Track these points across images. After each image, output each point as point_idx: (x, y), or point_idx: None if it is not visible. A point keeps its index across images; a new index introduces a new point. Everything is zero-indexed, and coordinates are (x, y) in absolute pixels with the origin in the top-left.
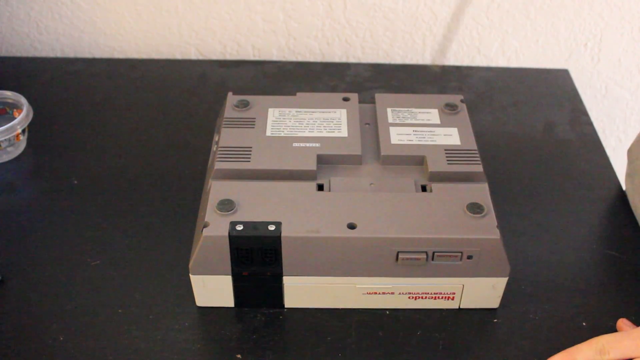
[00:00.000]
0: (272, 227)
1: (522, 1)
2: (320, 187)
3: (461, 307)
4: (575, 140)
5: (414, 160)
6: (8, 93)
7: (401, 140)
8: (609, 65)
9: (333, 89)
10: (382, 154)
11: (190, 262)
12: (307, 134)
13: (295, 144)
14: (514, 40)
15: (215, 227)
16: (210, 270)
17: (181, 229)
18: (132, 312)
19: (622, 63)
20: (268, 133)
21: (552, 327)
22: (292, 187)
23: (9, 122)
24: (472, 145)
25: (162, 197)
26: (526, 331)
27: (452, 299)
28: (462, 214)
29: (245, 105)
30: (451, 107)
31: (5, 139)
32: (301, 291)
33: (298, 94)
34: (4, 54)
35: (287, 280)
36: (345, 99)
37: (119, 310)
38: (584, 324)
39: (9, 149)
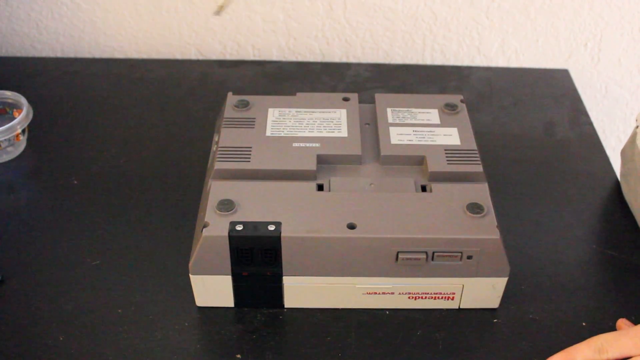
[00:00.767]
0: (272, 227)
1: (522, 1)
2: (320, 187)
3: (461, 307)
4: (575, 140)
5: (413, 160)
6: (8, 93)
7: (401, 140)
8: (609, 65)
9: (333, 89)
10: (382, 154)
11: (190, 262)
12: (307, 134)
13: (295, 144)
14: (514, 40)
15: (215, 227)
16: (210, 270)
17: (181, 229)
18: (132, 312)
19: (622, 63)
20: (268, 133)
21: (552, 327)
22: (292, 187)
23: (9, 122)
24: (472, 145)
25: (162, 197)
26: (526, 331)
27: (452, 299)
28: (462, 214)
29: (245, 105)
30: (451, 107)
31: (5, 139)
32: (301, 291)
33: (298, 94)
34: (4, 54)
35: (287, 280)
36: (345, 99)
37: (119, 311)
38: (584, 324)
39: (9, 149)
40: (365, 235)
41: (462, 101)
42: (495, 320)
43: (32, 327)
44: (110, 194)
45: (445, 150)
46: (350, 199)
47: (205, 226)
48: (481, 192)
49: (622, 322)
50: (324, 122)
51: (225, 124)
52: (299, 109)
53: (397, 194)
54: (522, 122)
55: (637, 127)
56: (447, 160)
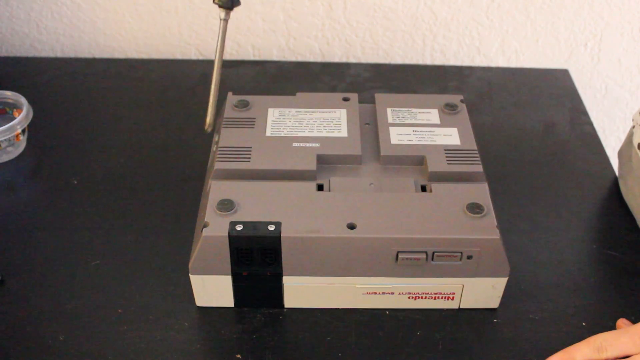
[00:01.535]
0: (271, 227)
1: (522, 1)
2: (320, 187)
3: (461, 307)
4: (575, 140)
5: (413, 160)
6: (8, 93)
7: (401, 140)
8: (609, 65)
9: (333, 89)
10: (382, 154)
11: (190, 262)
12: (307, 134)
13: (295, 144)
14: (514, 40)
15: (215, 227)
16: (210, 270)
17: (181, 229)
18: (132, 312)
19: (622, 63)
20: (268, 133)
21: (552, 327)
22: (292, 187)
23: (9, 122)
24: (472, 145)
25: (162, 197)
26: (526, 331)
27: (452, 299)
28: (462, 214)
29: (245, 105)
30: (451, 107)
31: (5, 139)
32: (301, 291)
33: (298, 94)
34: (4, 54)
35: (287, 280)
36: (345, 99)
37: (119, 310)
38: (583, 323)
39: (9, 149)
40: (365, 235)
41: (462, 101)
42: (495, 320)
43: (32, 327)
44: (110, 194)
45: (445, 150)
46: (350, 199)
47: (205, 226)
48: (481, 192)
49: (621, 322)
50: (324, 122)
51: (225, 124)
52: (299, 109)
53: (397, 194)
54: (522, 122)
55: (633, 127)
56: (447, 160)
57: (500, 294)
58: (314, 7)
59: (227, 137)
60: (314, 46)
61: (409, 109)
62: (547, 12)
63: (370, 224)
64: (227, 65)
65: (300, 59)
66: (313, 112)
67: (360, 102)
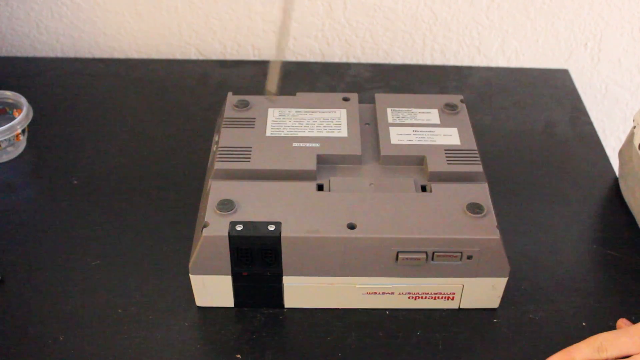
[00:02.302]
0: (271, 227)
1: (522, 1)
2: (320, 187)
3: (461, 307)
4: (575, 140)
5: (413, 160)
6: (8, 93)
7: (401, 140)
8: (609, 65)
9: (333, 89)
10: (382, 154)
11: (190, 262)
12: (307, 134)
13: (295, 144)
14: (514, 40)
15: (215, 227)
16: (210, 270)
17: (181, 229)
18: (132, 312)
19: (622, 63)
20: (268, 133)
21: (552, 327)
22: (292, 187)
23: (9, 122)
24: (472, 145)
25: (162, 197)
26: (526, 331)
27: (452, 299)
28: (462, 214)
29: (245, 105)
30: (451, 107)
31: (5, 139)
32: (301, 291)
33: (298, 94)
34: (4, 54)
35: (287, 280)
36: (345, 99)
37: (119, 310)
38: (584, 324)
39: (9, 149)
40: (365, 235)
41: (462, 101)
42: (495, 320)
43: (32, 327)
44: (110, 194)
45: (445, 150)
46: (350, 199)
47: (205, 226)
48: (481, 192)
49: (622, 322)
50: (324, 122)
51: (225, 124)
52: (299, 109)
53: (397, 194)
54: (522, 122)
55: (634, 127)
56: (447, 160)
57: (500, 294)
58: (314, 7)
59: (227, 137)
60: (314, 46)
61: (409, 109)
62: (547, 12)
63: (370, 224)
64: (227, 65)
65: (300, 59)
66: (313, 112)
67: (360, 102)
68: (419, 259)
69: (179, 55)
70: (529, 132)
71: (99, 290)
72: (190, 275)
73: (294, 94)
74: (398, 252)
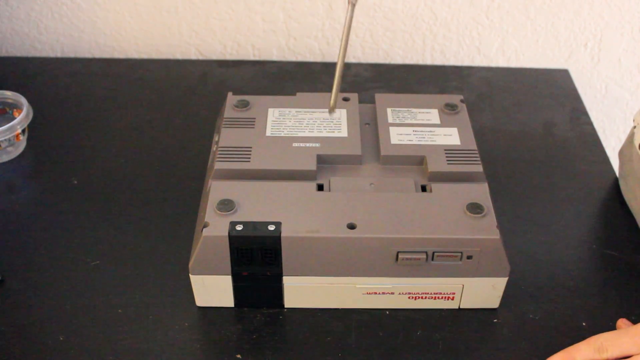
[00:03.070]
0: (272, 227)
1: (522, 1)
2: (320, 187)
3: (461, 307)
4: (575, 140)
5: (413, 160)
6: (8, 93)
7: (401, 140)
8: (609, 65)
9: None
10: (382, 154)
11: (190, 262)
12: (307, 134)
13: (295, 144)
14: (514, 40)
15: (215, 227)
16: (210, 270)
17: (181, 229)
18: (132, 312)
19: (622, 63)
20: (268, 133)
21: (552, 327)
22: (292, 187)
23: (9, 122)
24: (472, 145)
25: (162, 197)
26: (526, 331)
27: (452, 299)
28: (462, 214)
29: (245, 105)
30: (451, 107)
31: (5, 139)
32: (301, 291)
33: (298, 94)
34: (4, 54)
35: (287, 280)
36: (345, 99)
37: (119, 310)
38: (584, 324)
39: (9, 149)
40: (365, 235)
41: (462, 101)
42: (495, 320)
43: (32, 327)
44: (110, 194)
45: (445, 150)
46: (350, 199)
47: (205, 226)
48: (481, 192)
49: (622, 322)
50: (324, 122)
51: (225, 124)
52: (299, 109)
53: (397, 194)
54: (522, 122)
55: (634, 127)
56: (447, 160)
57: (500, 294)
58: (314, 7)
59: (227, 137)
60: (314, 46)
61: (409, 109)
62: (547, 12)
63: (370, 224)
64: (227, 65)
65: (300, 59)
66: (313, 112)
67: (360, 102)
68: (419, 259)
69: (179, 55)
70: (529, 132)
71: (99, 290)
72: (190, 275)
73: (294, 94)
74: (398, 252)
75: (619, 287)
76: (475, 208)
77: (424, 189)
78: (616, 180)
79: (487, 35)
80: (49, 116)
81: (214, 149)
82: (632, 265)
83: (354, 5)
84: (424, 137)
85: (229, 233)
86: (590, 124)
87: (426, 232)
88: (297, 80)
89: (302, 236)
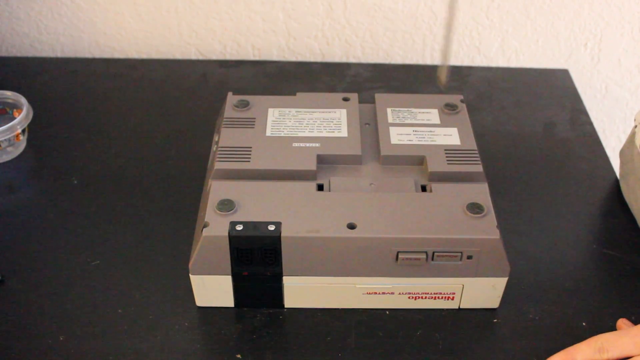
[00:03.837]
0: (272, 227)
1: (522, 1)
2: (320, 187)
3: (461, 307)
4: (575, 140)
5: (413, 160)
6: (8, 93)
7: (401, 140)
8: (609, 65)
9: (333, 89)
10: (382, 154)
11: (190, 262)
12: (307, 134)
13: (295, 144)
14: (514, 40)
15: (215, 227)
16: (210, 270)
17: (181, 229)
18: (132, 312)
19: (622, 63)
20: (268, 133)
21: (552, 327)
22: (292, 187)
23: (9, 122)
24: (472, 145)
25: (162, 197)
26: (526, 331)
27: (452, 299)
28: (462, 214)
29: (245, 105)
30: (451, 107)
31: (5, 139)
32: (301, 291)
33: (298, 94)
34: (4, 54)
35: (287, 280)
36: (345, 99)
37: (119, 310)
38: (584, 324)
39: (9, 149)
40: (365, 235)
41: (462, 101)
42: (495, 320)
43: (32, 327)
44: (110, 194)
45: (445, 150)
46: (350, 199)
47: (205, 226)
48: (481, 192)
49: (622, 322)
50: (324, 122)
51: (225, 124)
52: (299, 109)
53: (397, 194)
54: (522, 122)
55: (635, 127)
56: (447, 160)
57: (500, 294)
58: (314, 7)
59: (227, 137)
60: (314, 46)
61: (409, 109)
62: (547, 12)
63: (370, 224)
64: (227, 65)
65: (300, 59)
66: (313, 112)
67: (360, 102)
68: (419, 259)
69: (179, 55)
70: (529, 132)
71: (99, 290)
72: (190, 275)
73: (294, 94)
74: (398, 252)
75: (619, 287)
76: (475, 208)
77: (424, 189)
78: (616, 180)
79: (487, 35)
80: (49, 116)
81: (214, 149)
82: (632, 265)
83: None
84: (424, 137)
85: (229, 233)
86: (590, 124)
87: (426, 232)
88: (297, 80)
89: (302, 236)
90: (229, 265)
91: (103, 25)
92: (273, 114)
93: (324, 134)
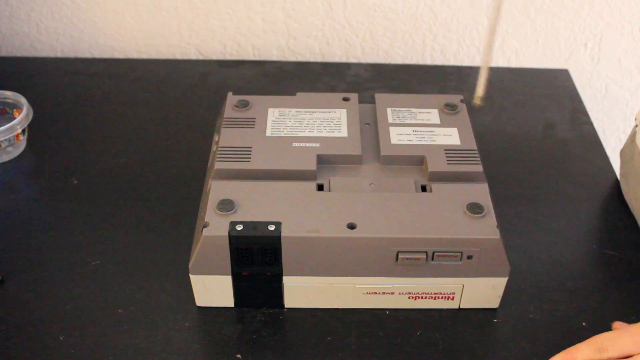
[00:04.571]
0: (272, 227)
1: (522, 1)
2: (320, 187)
3: (461, 307)
4: (575, 140)
5: (413, 160)
6: (8, 93)
7: (401, 140)
8: (609, 65)
9: (333, 89)
10: (382, 154)
11: (190, 262)
12: (307, 134)
13: (295, 144)
14: (514, 40)
15: (215, 227)
16: (210, 270)
17: (181, 229)
18: (132, 312)
19: (622, 63)
20: (268, 133)
21: (552, 327)
22: (292, 187)
23: (9, 122)
24: (472, 145)
25: (162, 197)
26: (526, 331)
27: (452, 299)
28: (462, 214)
29: (245, 105)
30: (451, 107)
31: (5, 139)
32: (301, 291)
33: (298, 94)
34: (4, 54)
35: (287, 280)
36: (345, 99)
37: (119, 310)
38: (584, 324)
39: (9, 149)
40: (365, 235)
41: (462, 101)
42: (495, 320)
43: (32, 327)
44: (110, 194)
45: (445, 150)
46: (350, 199)
47: (205, 226)
48: (481, 192)
49: (617, 324)
50: (324, 122)
51: (225, 124)
52: (299, 109)
53: (397, 194)
54: (522, 122)
55: (636, 126)
56: (447, 160)
57: (500, 294)
58: (314, 7)
59: (227, 137)
60: (314, 46)
61: (409, 109)
62: (547, 12)
63: (370, 224)
64: (227, 65)
65: (300, 59)
66: (313, 112)
67: (360, 102)
68: (419, 259)
69: (179, 55)
70: (529, 132)
71: (99, 290)
72: (190, 275)
73: (294, 94)
74: (398, 252)
75: (619, 287)
76: (475, 208)
77: (424, 189)
78: (616, 180)
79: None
80: (49, 116)
81: (214, 149)
82: (632, 265)
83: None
84: (424, 137)
85: (229, 233)
86: (590, 124)
87: (426, 232)
88: (297, 80)
89: (302, 236)
90: (229, 265)
91: (103, 25)
92: (273, 114)
93: (324, 134)
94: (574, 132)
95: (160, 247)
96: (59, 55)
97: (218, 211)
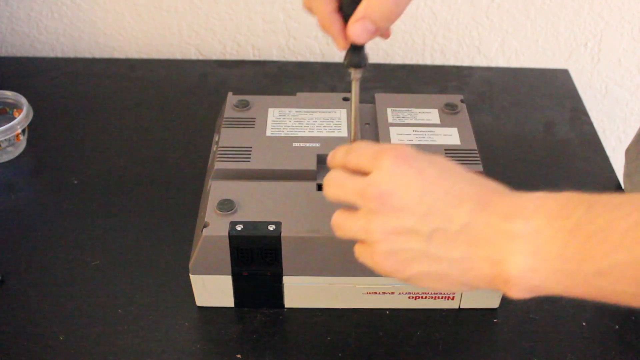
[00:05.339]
0: (272, 227)
1: (522, 1)
2: (321, 187)
3: (461, 307)
4: (575, 140)
5: None
6: (8, 93)
7: (401, 140)
8: (609, 65)
9: (333, 89)
10: None
11: (190, 262)
12: (307, 134)
13: (295, 144)
14: (514, 40)
15: (215, 227)
16: (210, 270)
17: (181, 229)
18: (132, 312)
19: (622, 63)
20: (268, 133)
21: (552, 327)
22: (292, 187)
23: (9, 122)
24: (472, 145)
25: (162, 197)
26: (526, 331)
27: (452, 298)
28: None
29: (245, 105)
30: (451, 107)
31: (5, 139)
32: (301, 291)
33: (298, 94)
34: (4, 54)
35: (287, 280)
36: (345, 99)
37: (119, 310)
38: (583, 323)
39: (9, 149)
40: None
41: (462, 101)
42: (495, 320)
43: (32, 327)
44: (110, 194)
45: (445, 150)
46: None
47: (205, 226)
48: None
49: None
50: (324, 122)
51: (225, 124)
52: (299, 109)
53: None
54: (522, 122)
55: None
56: None
57: (501, 294)
58: None
59: (227, 137)
60: (314, 46)
61: (409, 109)
62: (547, 12)
63: None
64: (227, 65)
65: (300, 59)
66: (313, 112)
67: (360, 102)
68: None
69: (179, 55)
70: (529, 132)
71: (99, 290)
72: (191, 275)
73: (294, 94)
74: None
75: None
76: None
77: None
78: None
79: (487, 35)
80: (49, 116)
81: (214, 149)
82: None
83: (358, 81)
84: (424, 137)
85: (229, 233)
86: (590, 124)
87: None
88: (297, 80)
89: (302, 236)
90: (229, 265)
91: (103, 25)
92: (273, 114)
93: (324, 134)
94: (574, 132)
95: (160, 247)
96: (59, 55)
97: (218, 211)
